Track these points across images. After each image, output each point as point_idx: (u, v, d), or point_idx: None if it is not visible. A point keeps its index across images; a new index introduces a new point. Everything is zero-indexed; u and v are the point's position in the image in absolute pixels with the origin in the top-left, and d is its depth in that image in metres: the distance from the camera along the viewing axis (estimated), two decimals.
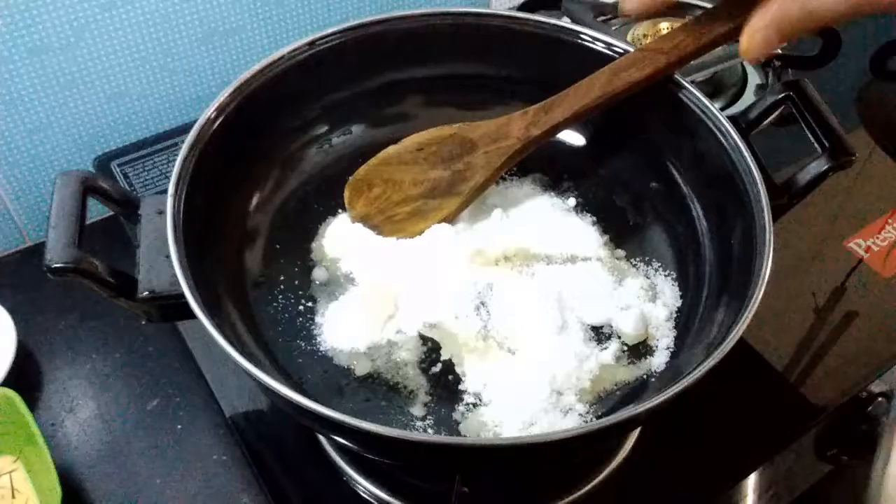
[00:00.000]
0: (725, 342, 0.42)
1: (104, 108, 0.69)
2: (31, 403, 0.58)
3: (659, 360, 0.52)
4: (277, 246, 0.57)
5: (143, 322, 0.48)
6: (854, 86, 0.89)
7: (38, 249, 0.45)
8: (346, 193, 0.58)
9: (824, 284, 0.69)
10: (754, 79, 0.83)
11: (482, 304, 0.53)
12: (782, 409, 0.61)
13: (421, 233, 0.56)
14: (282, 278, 0.55)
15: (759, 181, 0.49)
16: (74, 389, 0.61)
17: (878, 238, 0.71)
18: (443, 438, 0.45)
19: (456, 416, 0.49)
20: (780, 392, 0.62)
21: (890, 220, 0.73)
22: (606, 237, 0.58)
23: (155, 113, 0.73)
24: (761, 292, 0.44)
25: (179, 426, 0.59)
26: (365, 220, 0.57)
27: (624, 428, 0.50)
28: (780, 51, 0.86)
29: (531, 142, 0.55)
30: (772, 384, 0.62)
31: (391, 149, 0.58)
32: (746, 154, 0.51)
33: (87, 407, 0.60)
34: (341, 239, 0.57)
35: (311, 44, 0.57)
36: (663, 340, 0.53)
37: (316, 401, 0.39)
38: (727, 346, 0.42)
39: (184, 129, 0.55)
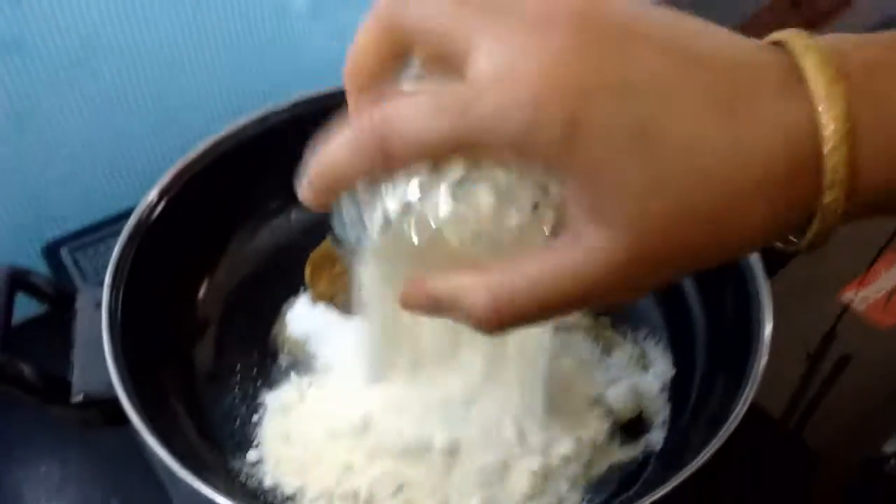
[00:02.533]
0: (730, 420, 0.39)
1: (52, 193, 0.65)
2: None
3: (656, 437, 0.48)
4: (231, 335, 0.53)
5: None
6: None
7: None
8: (307, 271, 0.54)
9: (816, 334, 0.65)
10: None
11: None
12: (784, 458, 0.56)
13: None
14: (238, 367, 0.51)
15: None
16: (28, 495, 0.56)
17: (871, 288, 0.68)
18: None
19: None
20: (781, 440, 0.57)
21: (885, 268, 0.69)
22: None
23: (110, 195, 0.69)
24: (763, 362, 0.41)
25: None
26: (329, 299, 0.54)
27: None
28: None
29: None
30: (769, 432, 0.57)
31: None
32: None
33: None
34: (304, 320, 0.53)
35: (263, 119, 0.54)
36: (659, 415, 0.49)
37: None
38: (732, 425, 0.39)
39: None
